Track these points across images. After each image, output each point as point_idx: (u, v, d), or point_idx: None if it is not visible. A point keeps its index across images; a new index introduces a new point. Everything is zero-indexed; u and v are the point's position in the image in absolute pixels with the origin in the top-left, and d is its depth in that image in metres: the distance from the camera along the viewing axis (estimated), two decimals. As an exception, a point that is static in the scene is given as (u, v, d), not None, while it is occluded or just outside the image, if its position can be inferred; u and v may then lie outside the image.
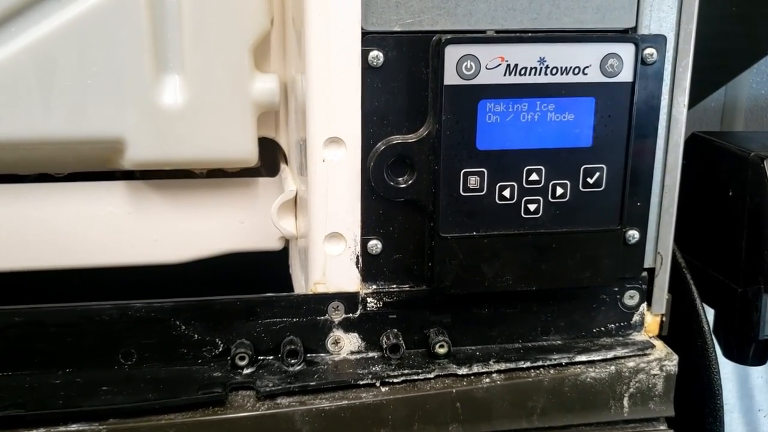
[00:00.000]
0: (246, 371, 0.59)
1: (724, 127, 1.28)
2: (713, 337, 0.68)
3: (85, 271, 0.69)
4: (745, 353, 0.71)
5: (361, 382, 0.58)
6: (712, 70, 0.99)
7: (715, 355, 0.67)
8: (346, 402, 0.57)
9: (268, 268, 0.75)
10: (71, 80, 0.59)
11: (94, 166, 0.69)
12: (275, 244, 0.72)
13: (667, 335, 0.66)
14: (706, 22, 0.92)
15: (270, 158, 0.72)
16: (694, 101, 1.07)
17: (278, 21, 0.66)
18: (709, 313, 0.72)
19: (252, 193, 0.71)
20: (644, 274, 0.64)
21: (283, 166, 0.72)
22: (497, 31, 0.56)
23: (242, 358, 0.59)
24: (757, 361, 0.71)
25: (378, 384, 0.58)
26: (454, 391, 0.58)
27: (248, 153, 0.65)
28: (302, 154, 0.61)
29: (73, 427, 0.53)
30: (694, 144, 0.74)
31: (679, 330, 0.68)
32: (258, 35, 0.63)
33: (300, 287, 0.66)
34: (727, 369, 0.87)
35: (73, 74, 0.59)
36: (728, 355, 0.72)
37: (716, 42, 0.94)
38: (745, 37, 0.92)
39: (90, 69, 0.59)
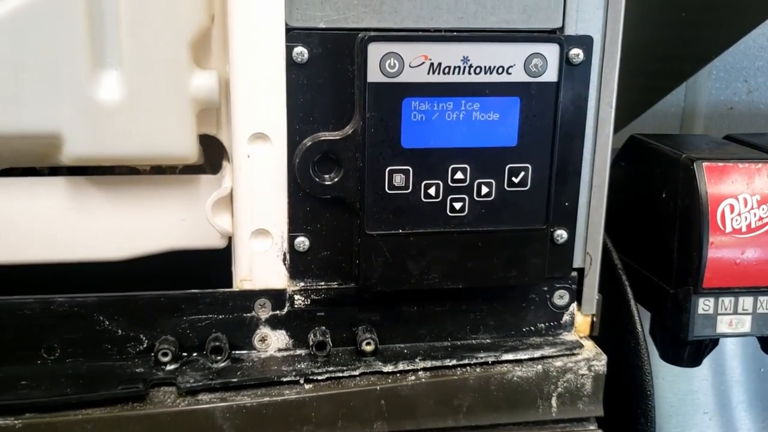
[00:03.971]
0: (169, 367, 0.58)
1: (683, 132, 1.28)
2: (647, 338, 0.69)
3: (25, 267, 0.68)
4: (680, 355, 0.71)
5: (285, 379, 0.58)
6: (665, 75, 1.01)
7: (648, 356, 0.68)
8: (268, 399, 0.57)
9: (215, 268, 0.75)
10: (5, 73, 0.59)
11: (34, 162, 0.68)
12: (217, 242, 0.72)
13: (603, 336, 0.66)
14: (657, 29, 0.93)
15: (217, 156, 0.72)
16: (646, 105, 1.09)
17: (219, 17, 0.66)
18: (647, 315, 0.73)
19: (194, 190, 0.71)
20: (574, 274, 0.64)
21: (225, 163, 0.72)
22: (423, 30, 0.56)
23: (165, 354, 0.58)
24: (692, 363, 0.71)
25: (302, 381, 0.58)
26: (378, 388, 0.58)
27: (187, 150, 0.65)
28: (233, 151, 0.61)
29: (-13, 421, 0.52)
30: (632, 146, 0.74)
31: (614, 331, 0.68)
32: (196, 31, 0.62)
33: (236, 285, 0.66)
34: (675, 370, 0.87)
35: (7, 67, 0.59)
36: (664, 356, 0.72)
37: (667, 48, 0.95)
38: (693, 43, 0.93)
39: (25, 62, 0.59)
